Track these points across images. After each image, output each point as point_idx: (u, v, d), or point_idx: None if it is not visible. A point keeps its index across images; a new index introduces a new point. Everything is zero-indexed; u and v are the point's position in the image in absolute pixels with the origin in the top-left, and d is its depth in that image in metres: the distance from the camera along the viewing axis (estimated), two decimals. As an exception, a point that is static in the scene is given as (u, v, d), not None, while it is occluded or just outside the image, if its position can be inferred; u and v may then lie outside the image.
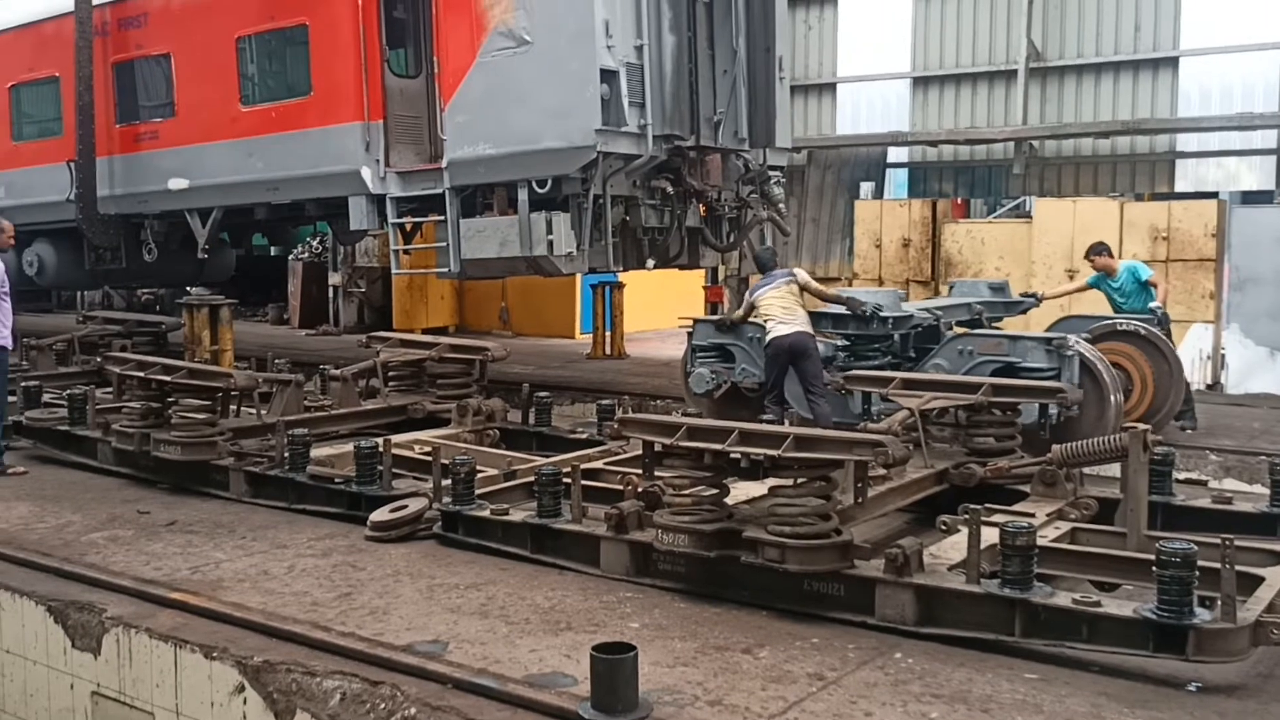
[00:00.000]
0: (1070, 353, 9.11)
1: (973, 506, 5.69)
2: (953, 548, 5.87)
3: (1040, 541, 5.43)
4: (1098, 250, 11.51)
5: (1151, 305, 10.98)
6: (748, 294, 10.10)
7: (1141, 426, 6.60)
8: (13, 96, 16.35)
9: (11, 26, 16.63)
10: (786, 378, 9.94)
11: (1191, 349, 14.08)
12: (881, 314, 10.01)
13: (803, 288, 10.05)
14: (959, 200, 19.70)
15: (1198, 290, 14.43)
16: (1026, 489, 7.16)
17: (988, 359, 9.38)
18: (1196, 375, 14.28)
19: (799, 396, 9.94)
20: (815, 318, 10.08)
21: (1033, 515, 6.42)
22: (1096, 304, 11.86)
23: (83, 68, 14.36)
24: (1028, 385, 8.32)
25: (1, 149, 16.43)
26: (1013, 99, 18.78)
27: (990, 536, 5.47)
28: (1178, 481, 7.61)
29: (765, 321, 9.84)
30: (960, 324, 10.82)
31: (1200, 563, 4.82)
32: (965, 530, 5.48)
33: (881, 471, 6.60)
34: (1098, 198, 16.34)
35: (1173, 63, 17.71)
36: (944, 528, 6.51)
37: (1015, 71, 18.62)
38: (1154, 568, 4.86)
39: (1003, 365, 9.29)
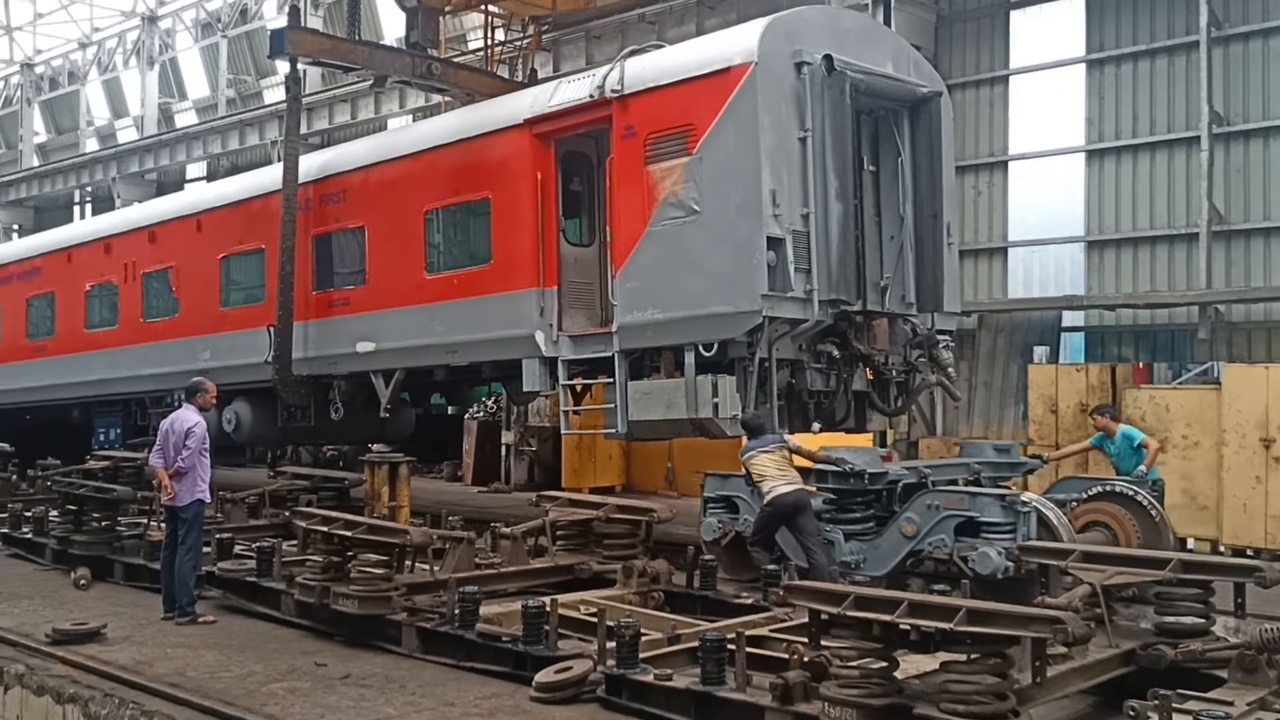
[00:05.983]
0: (1025, 509, 9.56)
1: (1163, 692, 5.40)
2: (1142, 736, 5.51)
3: (1240, 733, 5.07)
4: (1101, 411, 12.24)
5: (1139, 469, 11.53)
6: (741, 454, 10.43)
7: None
8: (223, 267, 17.75)
9: (223, 204, 18.23)
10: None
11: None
12: (858, 470, 10.38)
13: (794, 452, 10.40)
14: (1141, 364, 19.01)
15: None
16: (1223, 674, 6.69)
17: (951, 513, 9.88)
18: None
19: (790, 543, 10.16)
20: (800, 474, 10.41)
21: (1230, 704, 6.00)
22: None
23: (286, 240, 15.46)
24: (1223, 563, 7.88)
25: (210, 315, 17.73)
26: (1194, 262, 18.23)
27: (1184, 725, 5.14)
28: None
29: (761, 482, 10.14)
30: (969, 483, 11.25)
31: None
32: (1155, 718, 5.16)
33: (1062, 650, 6.30)
34: (1292, 364, 15.53)
35: (1369, 222, 17.03)
36: (1132, 714, 6.10)
37: (1196, 234, 18.13)
38: (1372, 768, 4.47)
39: (964, 520, 9.78)
